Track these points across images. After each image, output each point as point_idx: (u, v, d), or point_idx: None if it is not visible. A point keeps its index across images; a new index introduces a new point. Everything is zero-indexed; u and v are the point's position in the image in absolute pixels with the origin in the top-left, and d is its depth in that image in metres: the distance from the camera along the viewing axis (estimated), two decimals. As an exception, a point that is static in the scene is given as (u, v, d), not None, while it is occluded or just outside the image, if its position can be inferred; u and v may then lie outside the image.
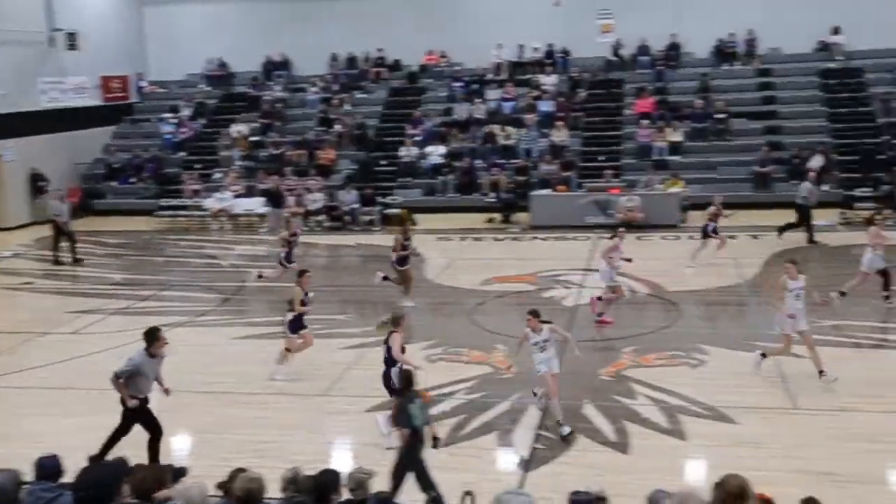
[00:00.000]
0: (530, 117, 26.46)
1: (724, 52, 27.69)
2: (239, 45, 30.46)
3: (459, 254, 19.86)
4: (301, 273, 12.04)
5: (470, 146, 26.12)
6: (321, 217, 23.68)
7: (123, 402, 8.79)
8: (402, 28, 29.25)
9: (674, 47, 27.96)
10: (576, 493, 5.54)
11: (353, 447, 9.83)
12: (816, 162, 22.76)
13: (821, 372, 10.64)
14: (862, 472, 8.45)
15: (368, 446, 9.47)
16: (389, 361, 9.78)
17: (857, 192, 21.71)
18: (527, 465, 9.12)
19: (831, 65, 26.44)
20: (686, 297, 15.25)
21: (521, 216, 22.97)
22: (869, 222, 14.08)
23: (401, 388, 8.54)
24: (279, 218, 21.53)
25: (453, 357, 12.49)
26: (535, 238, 21.15)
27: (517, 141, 26.06)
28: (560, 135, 25.64)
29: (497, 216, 23.21)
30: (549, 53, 28.88)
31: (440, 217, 23.48)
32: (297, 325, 11.86)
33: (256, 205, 24.51)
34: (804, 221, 19.16)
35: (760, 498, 5.39)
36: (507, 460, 9.42)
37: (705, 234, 17.54)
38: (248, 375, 11.91)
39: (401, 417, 8.10)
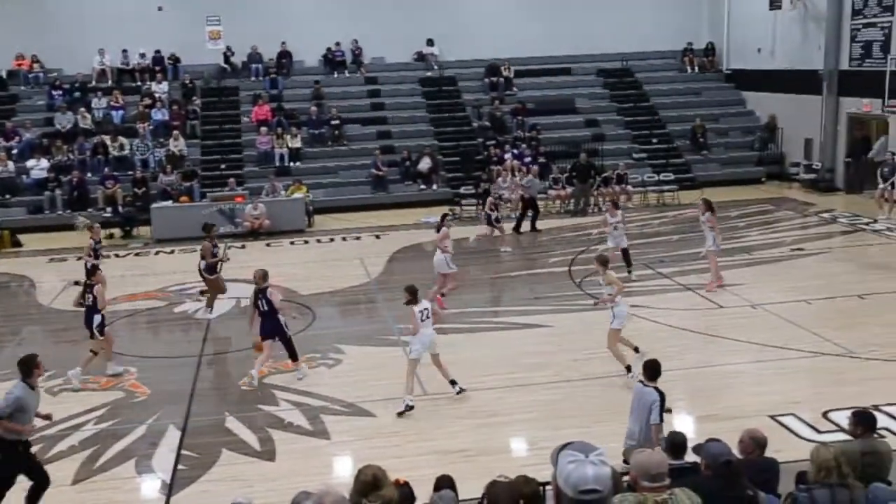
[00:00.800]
0: (143, 126, 25.27)
1: (333, 61, 28.77)
2: None
3: (77, 275, 18.33)
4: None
5: (78, 158, 24.24)
6: None
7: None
8: (-16, 29, 26.24)
9: (285, 55, 28.42)
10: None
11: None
12: (425, 164, 24.64)
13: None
14: (486, 445, 9.35)
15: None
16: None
17: (462, 190, 23.82)
18: (170, 488, 8.75)
19: (429, 74, 28.73)
20: (319, 300, 15.63)
21: (142, 230, 21.86)
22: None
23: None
24: None
25: (81, 385, 11.54)
26: (160, 252, 20.27)
27: (131, 152, 24.74)
28: (177, 144, 24.82)
29: (117, 231, 21.84)
30: (158, 60, 27.80)
31: (51, 236, 21.50)
32: (102, 326, 11.65)
33: None
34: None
35: (397, 483, 5.76)
36: (150, 486, 8.97)
37: (489, 222, 18.85)
38: None
39: None
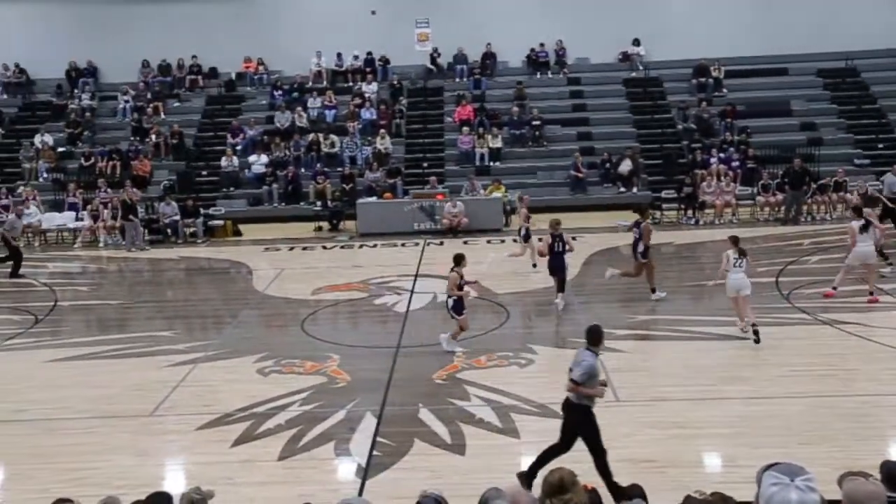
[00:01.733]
0: (353, 125, 26.50)
1: (536, 62, 28.87)
2: (39, 50, 28.56)
3: (288, 264, 19.58)
4: None
5: (294, 155, 25.82)
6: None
7: None
8: (217, 34, 28.50)
9: (489, 56, 28.86)
10: (421, 497, 5.61)
11: (185, 468, 9.47)
12: (626, 166, 24.20)
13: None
14: (677, 457, 9.04)
15: (201, 465, 9.17)
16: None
17: (663, 194, 23.19)
18: (365, 472, 9.11)
19: (633, 74, 28.17)
20: (513, 299, 15.74)
21: (348, 224, 22.95)
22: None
23: None
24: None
25: (287, 368, 12.29)
26: (364, 245, 21.21)
27: (341, 149, 26.02)
28: (383, 142, 25.84)
29: (325, 225, 23.07)
30: (369, 61, 29.06)
31: (267, 227, 23.08)
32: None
33: (67, 219, 23.12)
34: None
35: (586, 489, 5.70)
36: (346, 469, 9.37)
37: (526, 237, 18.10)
38: (66, 400, 11.22)
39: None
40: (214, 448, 9.63)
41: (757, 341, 12.11)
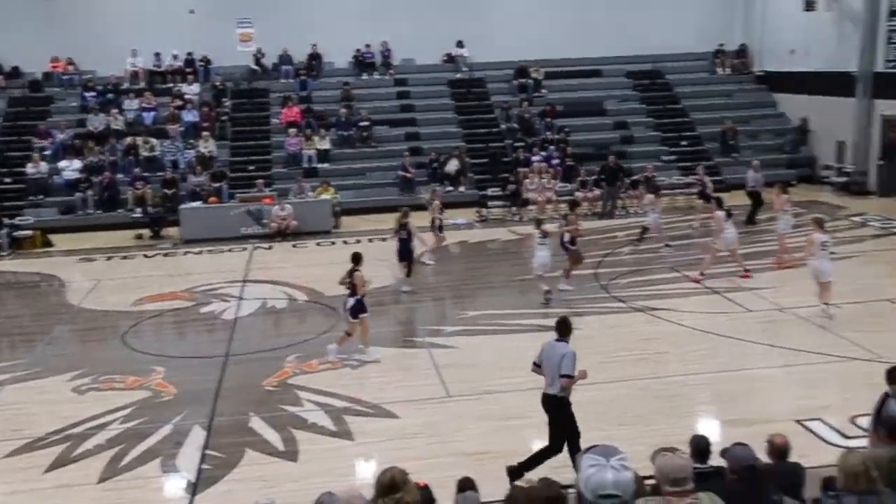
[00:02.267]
0: (174, 128, 25.52)
1: (362, 63, 28.87)
2: None
3: (106, 274, 18.57)
4: None
5: (110, 159, 24.54)
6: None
7: None
8: (19, 31, 26.62)
9: (315, 57, 28.58)
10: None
11: (-8, 499, 8.79)
12: (453, 165, 24.64)
13: None
14: (509, 447, 9.28)
15: (8, 496, 8.55)
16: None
17: (489, 192, 23.78)
18: (194, 487, 8.79)
19: (458, 75, 28.73)
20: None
21: (171, 231, 22.07)
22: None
23: None
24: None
25: (105, 385, 11.66)
26: (189, 252, 20.45)
27: (161, 153, 24.99)
28: (207, 145, 25.04)
29: (146, 232, 22.05)
30: (189, 62, 28.08)
31: (82, 237, 21.82)
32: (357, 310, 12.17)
33: None
34: None
35: (419, 485, 5.75)
36: (174, 486, 9.01)
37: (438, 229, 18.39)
38: None
39: None
40: (24, 476, 9.02)
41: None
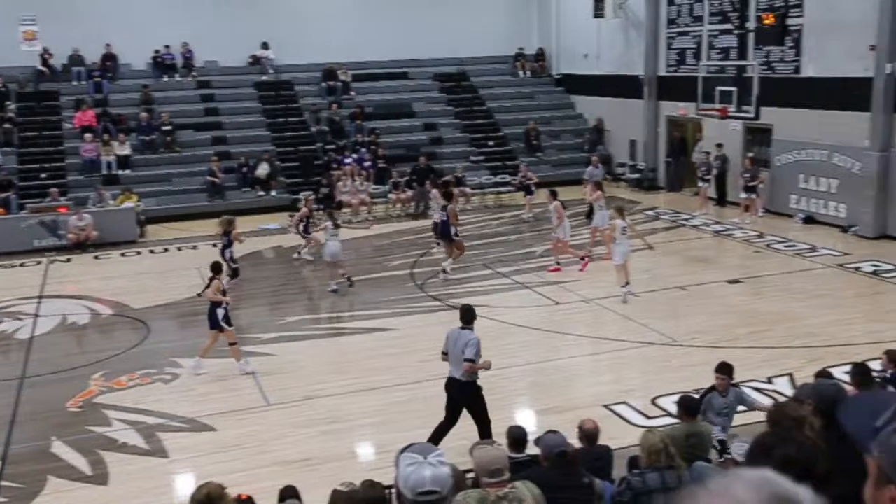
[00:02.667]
0: (-48, 134, 23.42)
1: (162, 65, 27.69)
2: None
3: None
4: None
5: None
6: None
7: None
8: None
9: (110, 58, 27.10)
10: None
11: None
12: (263, 169, 24.17)
13: None
14: (331, 452, 9.25)
15: None
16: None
17: (302, 196, 23.44)
18: (-8, 523, 8.14)
19: (264, 77, 28.19)
20: (153, 313, 14.99)
21: (-48, 246, 20.21)
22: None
23: None
24: None
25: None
26: (-26, 269, 18.83)
27: (-63, 161, 22.88)
28: (-9, 152, 23.15)
29: (-78, 248, 20.07)
30: (-33, 62, 25.84)
31: None
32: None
33: None
34: None
35: (239, 498, 5.63)
36: (-33, 524, 8.31)
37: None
38: None
39: None
40: None
41: None
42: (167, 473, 9.11)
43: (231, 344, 11.83)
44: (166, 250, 19.81)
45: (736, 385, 8.46)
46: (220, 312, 11.70)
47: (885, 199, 17.93)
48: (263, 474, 8.57)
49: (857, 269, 15.88)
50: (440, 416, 9.90)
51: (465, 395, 8.75)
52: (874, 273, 15.45)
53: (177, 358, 12.43)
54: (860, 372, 7.47)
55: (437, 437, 8.62)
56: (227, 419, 10.20)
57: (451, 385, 8.78)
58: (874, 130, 17.91)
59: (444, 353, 8.87)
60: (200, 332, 13.87)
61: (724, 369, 8.21)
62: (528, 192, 22.00)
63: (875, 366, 8.78)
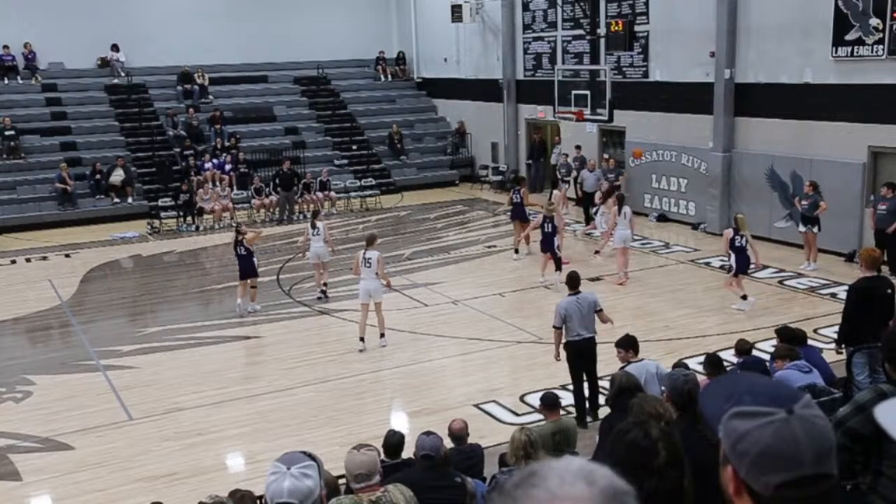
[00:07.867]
0: None
1: (2, 67, 26.11)
2: None
3: None
4: None
5: None
6: None
7: None
8: None
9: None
10: None
11: None
12: (117, 175, 23.22)
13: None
14: (198, 465, 9.01)
15: None
16: None
17: (160, 202, 22.71)
18: None
19: (116, 81, 27.05)
20: (1, 328, 14.14)
21: None
22: None
23: None
24: None
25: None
26: None
27: None
28: None
29: None
30: None
31: None
32: None
33: None
34: None
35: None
36: None
37: None
38: None
39: None
40: None
41: None
42: (21, 498, 8.62)
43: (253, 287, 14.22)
44: (14, 262, 18.71)
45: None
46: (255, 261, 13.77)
47: (728, 197, 19.06)
48: (126, 492, 8.27)
49: (707, 264, 16.79)
50: (310, 422, 9.82)
51: (594, 351, 9.56)
52: (721, 268, 16.39)
53: (28, 375, 11.79)
54: (711, 362, 7.96)
55: (584, 402, 9.50)
56: (86, 436, 9.75)
57: (588, 345, 9.52)
58: (717, 132, 19.01)
59: (557, 327, 9.56)
60: (53, 348, 13.25)
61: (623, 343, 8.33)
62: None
63: (726, 355, 9.37)
